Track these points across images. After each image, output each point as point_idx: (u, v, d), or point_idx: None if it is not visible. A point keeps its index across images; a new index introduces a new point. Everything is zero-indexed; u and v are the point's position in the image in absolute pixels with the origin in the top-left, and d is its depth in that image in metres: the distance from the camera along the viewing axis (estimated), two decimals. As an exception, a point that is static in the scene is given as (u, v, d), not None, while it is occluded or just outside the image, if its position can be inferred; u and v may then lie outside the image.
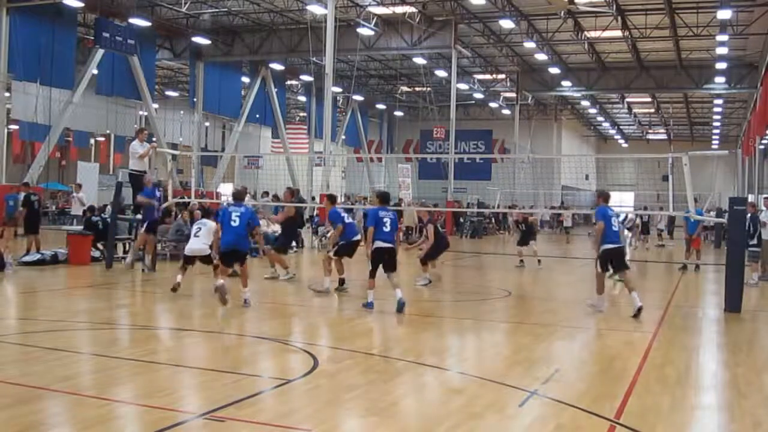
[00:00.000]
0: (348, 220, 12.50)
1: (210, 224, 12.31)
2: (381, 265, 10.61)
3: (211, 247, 12.17)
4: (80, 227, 18.40)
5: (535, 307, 11.66)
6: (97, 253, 16.20)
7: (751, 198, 30.42)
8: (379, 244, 10.54)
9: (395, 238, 11.04)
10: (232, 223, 10.60)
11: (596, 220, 11.20)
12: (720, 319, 11.20)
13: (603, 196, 11.60)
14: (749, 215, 14.66)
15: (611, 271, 11.10)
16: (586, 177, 54.25)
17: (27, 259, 15.38)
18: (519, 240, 19.26)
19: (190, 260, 12.22)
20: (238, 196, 11.49)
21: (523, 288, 15.02)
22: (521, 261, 18.70)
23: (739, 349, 9.01)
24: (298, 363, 7.47)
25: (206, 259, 12.16)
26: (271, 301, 11.29)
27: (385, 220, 10.61)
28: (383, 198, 11.27)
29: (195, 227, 12.50)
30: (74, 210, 26.85)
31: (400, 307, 10.26)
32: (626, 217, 23.98)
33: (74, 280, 13.94)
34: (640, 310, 10.48)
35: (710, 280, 17.14)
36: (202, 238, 12.05)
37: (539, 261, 18.61)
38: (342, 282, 12.31)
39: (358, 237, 12.50)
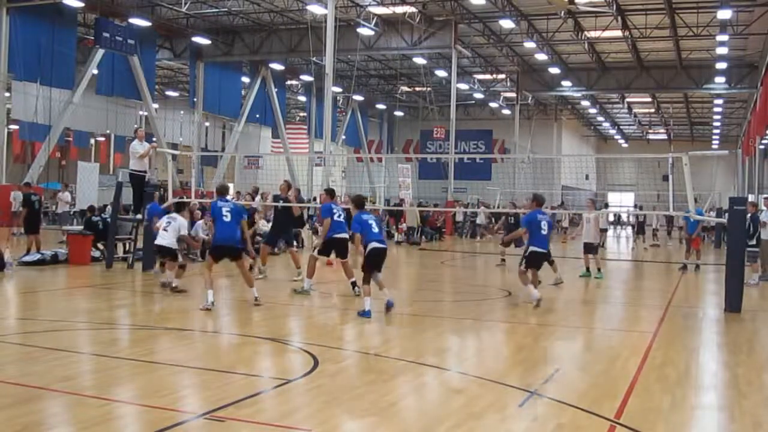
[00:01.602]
0: (339, 218, 12.06)
1: (180, 220, 11.93)
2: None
3: (185, 245, 11.82)
4: (70, 227, 18.39)
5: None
6: (97, 253, 16.22)
7: (751, 198, 30.42)
8: (375, 245, 10.28)
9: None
10: (224, 218, 10.48)
11: (523, 225, 11.94)
12: (720, 319, 11.19)
13: (537, 200, 12.15)
14: (749, 215, 14.66)
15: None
16: (586, 177, 54.27)
17: (27, 259, 15.38)
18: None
19: (157, 253, 11.95)
20: (223, 191, 11.23)
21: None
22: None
23: (739, 349, 9.00)
24: (298, 363, 7.48)
25: (171, 255, 11.83)
26: (271, 301, 11.28)
27: (370, 222, 10.42)
28: (358, 203, 11.00)
29: (165, 221, 11.97)
30: (60, 208, 27.07)
31: (388, 308, 10.16)
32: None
33: (74, 280, 13.94)
34: (539, 302, 11.22)
35: (710, 280, 17.13)
36: (169, 233, 11.73)
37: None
38: (354, 285, 12.12)
39: (343, 234, 12.01)
